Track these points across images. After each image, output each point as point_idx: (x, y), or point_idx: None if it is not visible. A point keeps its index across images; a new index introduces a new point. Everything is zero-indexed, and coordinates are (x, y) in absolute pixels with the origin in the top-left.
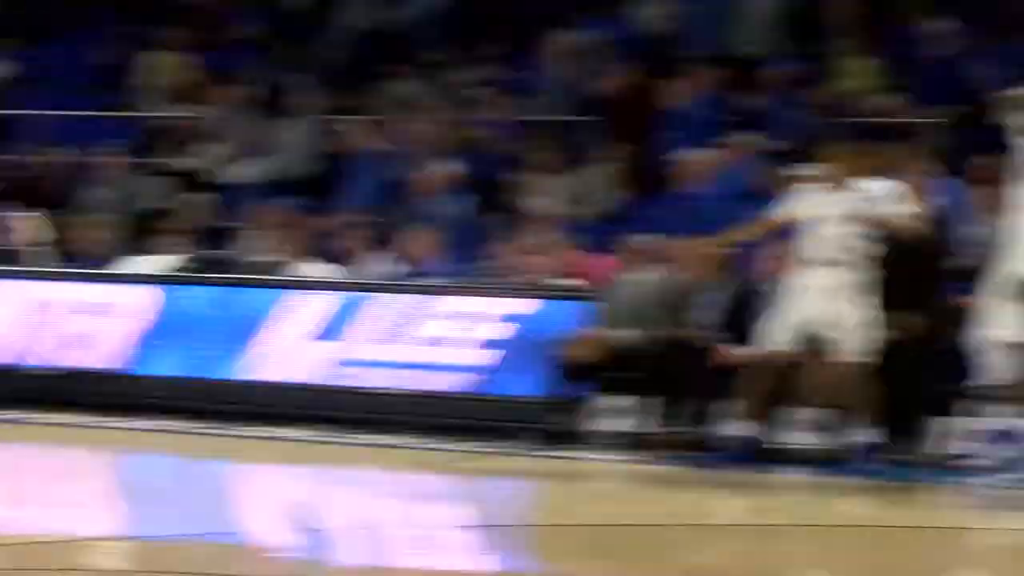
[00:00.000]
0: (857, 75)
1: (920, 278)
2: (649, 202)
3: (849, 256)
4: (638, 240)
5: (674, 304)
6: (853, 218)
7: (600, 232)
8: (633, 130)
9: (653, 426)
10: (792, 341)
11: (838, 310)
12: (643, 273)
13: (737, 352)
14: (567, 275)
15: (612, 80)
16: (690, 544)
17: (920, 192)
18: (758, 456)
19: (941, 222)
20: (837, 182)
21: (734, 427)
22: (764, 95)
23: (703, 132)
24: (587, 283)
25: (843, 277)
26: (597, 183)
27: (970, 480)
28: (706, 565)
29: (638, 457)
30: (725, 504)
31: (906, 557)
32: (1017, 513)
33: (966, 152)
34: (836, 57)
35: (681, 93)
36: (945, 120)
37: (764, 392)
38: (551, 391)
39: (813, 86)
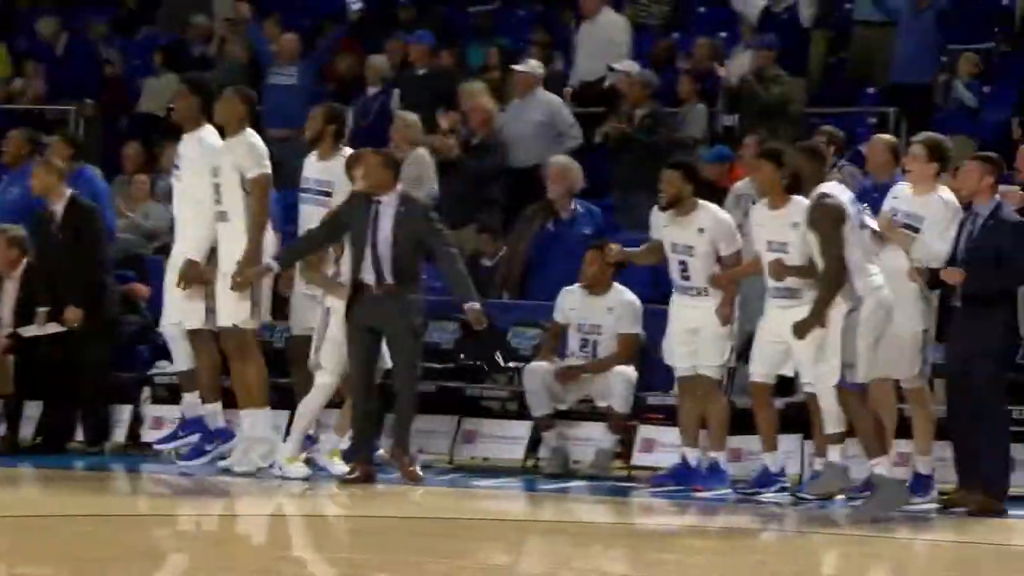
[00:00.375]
0: None
1: (74, 268)
2: None
3: None
4: None
5: None
6: None
7: None
8: None
9: None
10: None
11: None
12: None
13: None
14: None
15: None
16: None
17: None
18: None
19: (90, 211)
20: None
21: None
22: None
23: None
24: None
25: None
26: None
27: (162, 466)
28: None
29: None
30: None
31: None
32: (199, 500)
33: (107, 140)
34: None
35: None
36: (83, 109)
37: None
38: None
39: None
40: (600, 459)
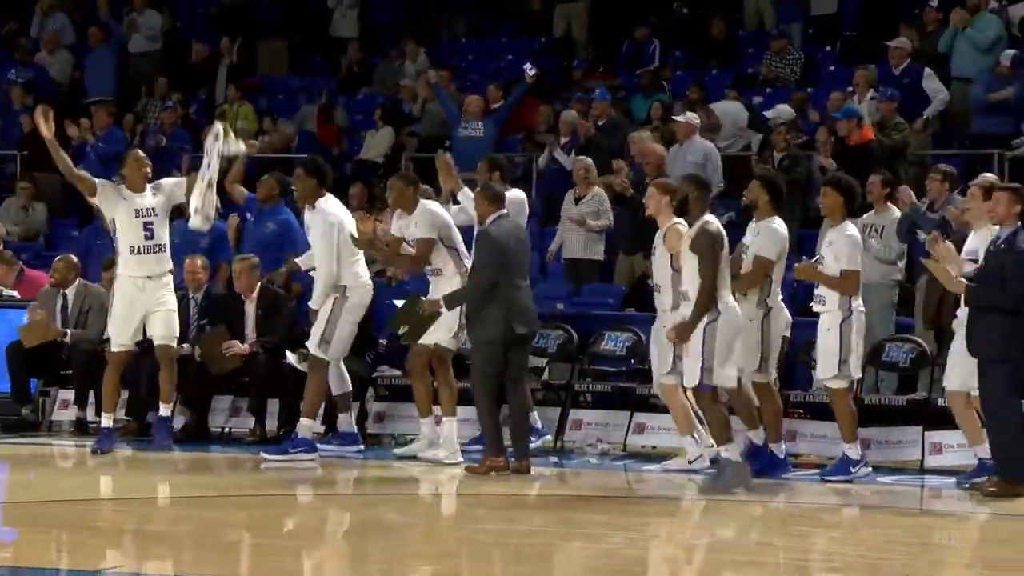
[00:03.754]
0: (240, 118)
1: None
2: (71, 226)
3: None
4: (65, 258)
5: (88, 310)
6: None
7: (29, 251)
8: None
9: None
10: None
11: None
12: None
13: None
14: (4, 286)
15: (29, 118)
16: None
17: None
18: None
19: (277, 296)
20: None
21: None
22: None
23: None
24: (19, 294)
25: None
26: (25, 208)
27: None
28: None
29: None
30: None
31: None
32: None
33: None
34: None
35: (87, 129)
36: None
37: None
38: (7, 387)
39: (201, 126)
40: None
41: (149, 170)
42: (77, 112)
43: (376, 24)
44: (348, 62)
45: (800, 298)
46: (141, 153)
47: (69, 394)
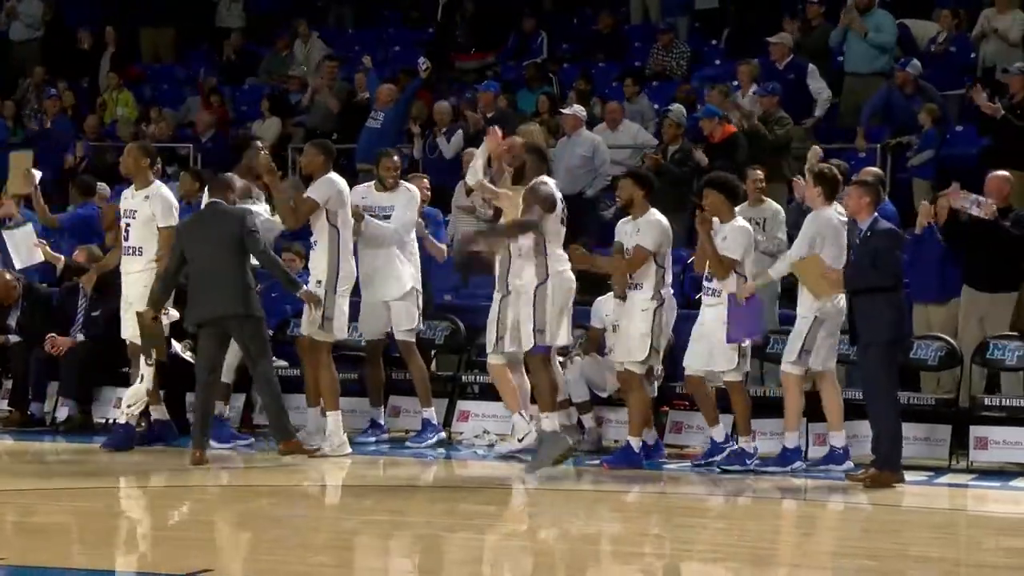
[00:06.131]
0: (120, 105)
1: None
2: None
3: None
4: None
5: None
6: None
7: None
8: None
9: None
10: None
11: None
12: None
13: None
14: None
15: None
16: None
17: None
18: None
19: None
20: None
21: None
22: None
23: None
24: None
25: None
26: None
27: None
28: None
29: None
30: None
31: None
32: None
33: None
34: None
35: None
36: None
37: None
38: None
39: (84, 114)
40: None
41: (148, 160)
42: None
43: (261, 13)
44: (228, 51)
45: (686, 291)
46: (137, 145)
47: None
